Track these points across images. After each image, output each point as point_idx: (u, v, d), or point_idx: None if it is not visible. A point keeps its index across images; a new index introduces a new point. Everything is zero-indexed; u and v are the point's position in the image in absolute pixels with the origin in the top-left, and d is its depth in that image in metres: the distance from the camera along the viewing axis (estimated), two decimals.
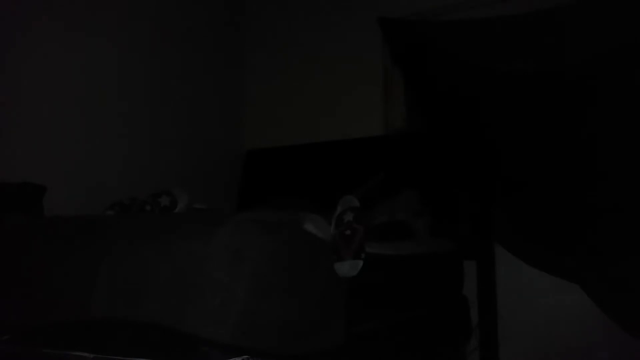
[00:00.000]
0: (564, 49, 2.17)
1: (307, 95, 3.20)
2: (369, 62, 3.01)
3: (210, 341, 1.16)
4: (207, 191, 2.89)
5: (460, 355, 2.41)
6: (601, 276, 2.30)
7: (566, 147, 2.27)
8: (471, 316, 2.38)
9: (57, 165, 2.21)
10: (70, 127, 2.30)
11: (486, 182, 2.52)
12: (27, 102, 2.14)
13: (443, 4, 2.75)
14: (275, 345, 1.20)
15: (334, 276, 1.39)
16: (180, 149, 2.87)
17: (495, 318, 2.48)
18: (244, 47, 3.41)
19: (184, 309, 1.16)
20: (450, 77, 2.44)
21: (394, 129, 2.93)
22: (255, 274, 1.20)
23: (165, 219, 1.71)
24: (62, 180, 2.17)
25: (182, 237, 1.27)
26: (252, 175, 3.13)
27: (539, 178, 2.37)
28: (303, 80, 3.23)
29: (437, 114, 2.70)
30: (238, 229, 1.23)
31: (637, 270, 2.19)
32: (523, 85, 2.27)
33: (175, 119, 2.87)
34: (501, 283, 2.51)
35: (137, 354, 1.25)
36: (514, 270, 2.49)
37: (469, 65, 2.36)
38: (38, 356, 1.37)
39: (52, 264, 1.38)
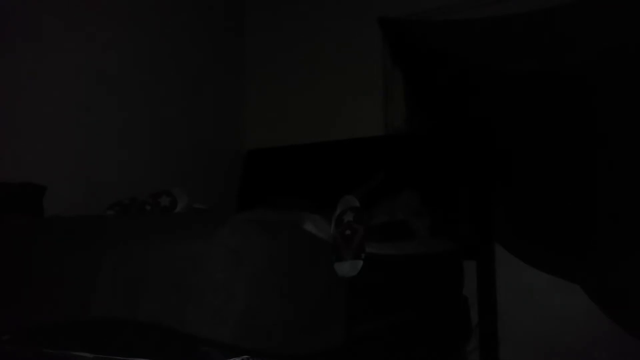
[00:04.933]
0: (564, 48, 2.17)
1: (307, 95, 3.20)
2: (369, 62, 3.01)
3: (210, 341, 1.16)
4: (207, 191, 2.89)
5: (460, 355, 2.41)
6: (601, 276, 2.30)
7: (567, 147, 2.27)
8: (471, 316, 2.38)
9: (57, 165, 2.21)
10: (70, 127, 2.30)
11: (487, 182, 2.52)
12: (27, 102, 2.14)
13: (443, 4, 2.75)
14: (276, 345, 1.20)
15: (334, 276, 1.39)
16: (180, 149, 2.87)
17: (495, 318, 2.48)
18: (244, 48, 3.41)
19: (184, 309, 1.16)
20: (450, 77, 2.44)
21: (394, 129, 2.94)
22: (255, 274, 1.20)
23: (165, 219, 1.70)
24: (62, 180, 2.17)
25: (182, 237, 1.27)
26: (252, 175, 3.13)
27: (539, 178, 2.37)
28: (303, 81, 3.23)
29: (437, 113, 2.70)
30: (238, 229, 1.23)
31: (636, 270, 2.19)
32: (524, 84, 2.27)
33: (176, 119, 2.87)
34: (501, 283, 2.51)
35: (137, 354, 1.25)
36: (514, 270, 2.49)
37: (469, 64, 2.36)
38: (38, 356, 1.37)
39: (52, 264, 1.38)
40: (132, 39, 2.64)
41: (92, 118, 2.40)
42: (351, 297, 1.42)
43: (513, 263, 2.48)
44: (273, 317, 1.20)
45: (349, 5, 3.12)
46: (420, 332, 1.95)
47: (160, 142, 2.77)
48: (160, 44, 2.80)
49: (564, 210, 2.31)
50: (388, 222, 2.06)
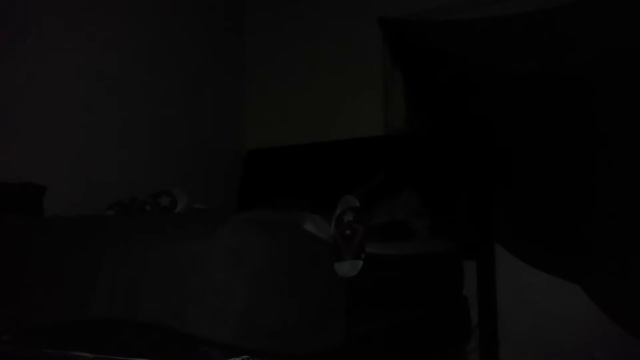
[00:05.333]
0: (564, 48, 2.17)
1: (307, 96, 3.20)
2: (369, 62, 3.01)
3: (210, 341, 1.16)
4: (207, 191, 2.89)
5: (460, 355, 2.41)
6: (601, 276, 2.30)
7: (567, 147, 2.27)
8: (471, 316, 2.38)
9: (57, 165, 2.21)
10: (70, 127, 2.30)
11: (487, 182, 2.52)
12: (27, 102, 2.14)
13: (443, 4, 2.75)
14: (276, 345, 1.20)
15: (334, 276, 1.39)
16: (180, 149, 2.87)
17: (495, 318, 2.48)
18: (244, 49, 3.41)
19: (184, 309, 1.16)
20: (450, 77, 2.44)
21: (394, 129, 2.94)
22: (255, 274, 1.20)
23: (165, 219, 1.71)
24: (62, 180, 2.17)
25: (182, 237, 1.27)
26: (252, 175, 3.13)
27: (539, 178, 2.37)
28: (303, 81, 3.23)
29: (437, 113, 2.70)
30: (238, 229, 1.23)
31: (637, 270, 2.19)
32: (524, 84, 2.27)
33: (176, 119, 2.87)
34: (501, 283, 2.51)
35: (137, 354, 1.26)
36: (514, 270, 2.49)
37: (469, 64, 2.36)
38: (38, 356, 1.37)
39: (52, 264, 1.38)
40: (132, 39, 2.64)
41: (92, 118, 2.40)
42: (351, 297, 1.42)
43: (513, 263, 2.48)
44: (273, 317, 1.20)
45: (349, 5, 3.12)
46: (420, 332, 1.95)
47: (160, 142, 2.76)
48: (160, 44, 2.80)
49: (564, 210, 2.31)
50: (388, 222, 2.06)
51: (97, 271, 1.27)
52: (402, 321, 1.82)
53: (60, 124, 2.26)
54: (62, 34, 2.29)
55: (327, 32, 3.17)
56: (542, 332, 2.48)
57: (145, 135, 2.68)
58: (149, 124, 2.70)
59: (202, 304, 1.15)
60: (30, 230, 1.54)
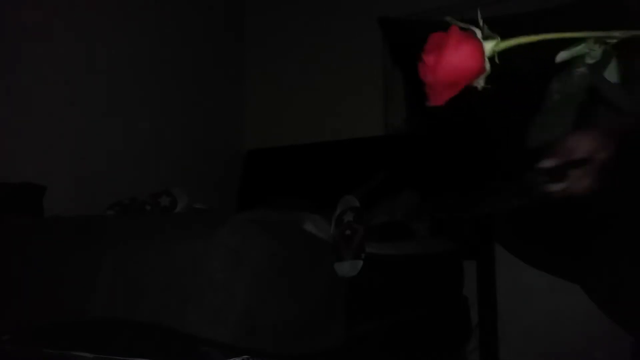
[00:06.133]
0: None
1: (307, 95, 3.20)
2: (369, 62, 3.01)
3: (210, 341, 1.16)
4: (207, 191, 2.89)
5: (460, 355, 2.41)
6: (601, 276, 2.30)
7: None
8: (471, 316, 2.38)
9: (57, 165, 2.21)
10: (70, 127, 2.30)
11: (487, 182, 2.51)
12: (27, 102, 2.14)
13: (443, 4, 2.74)
14: (276, 345, 1.20)
15: (334, 276, 1.39)
16: (180, 149, 2.87)
17: (495, 318, 2.48)
18: (244, 48, 3.41)
19: (184, 309, 1.16)
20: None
21: (394, 129, 2.93)
22: (255, 274, 1.20)
23: (165, 219, 1.71)
24: (62, 180, 2.17)
25: (182, 237, 1.27)
26: (252, 175, 3.13)
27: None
28: (303, 81, 3.23)
29: (437, 113, 2.70)
30: (238, 229, 1.23)
31: (636, 270, 2.19)
32: (525, 85, 2.27)
33: (176, 119, 2.87)
34: (501, 283, 2.50)
35: (137, 354, 1.25)
36: (514, 270, 2.49)
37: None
38: (38, 356, 1.37)
39: (52, 264, 1.38)
40: (132, 38, 2.64)
41: (93, 118, 2.40)
42: (351, 297, 1.42)
43: (513, 263, 2.48)
44: (273, 317, 1.20)
45: (349, 5, 3.12)
46: (420, 332, 1.95)
47: (161, 142, 2.76)
48: (160, 44, 2.80)
49: (564, 210, 2.31)
50: (388, 222, 2.06)
51: (97, 271, 1.27)
52: (402, 321, 1.82)
53: (60, 124, 2.26)
54: (63, 34, 2.29)
55: (327, 32, 3.17)
56: (542, 332, 2.47)
57: (146, 136, 2.68)
58: (149, 124, 2.70)
59: (202, 304, 1.15)
60: (30, 230, 1.54)
